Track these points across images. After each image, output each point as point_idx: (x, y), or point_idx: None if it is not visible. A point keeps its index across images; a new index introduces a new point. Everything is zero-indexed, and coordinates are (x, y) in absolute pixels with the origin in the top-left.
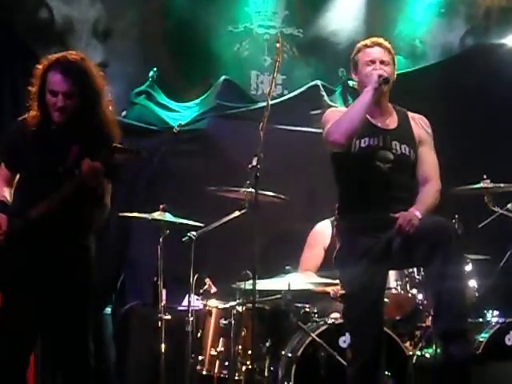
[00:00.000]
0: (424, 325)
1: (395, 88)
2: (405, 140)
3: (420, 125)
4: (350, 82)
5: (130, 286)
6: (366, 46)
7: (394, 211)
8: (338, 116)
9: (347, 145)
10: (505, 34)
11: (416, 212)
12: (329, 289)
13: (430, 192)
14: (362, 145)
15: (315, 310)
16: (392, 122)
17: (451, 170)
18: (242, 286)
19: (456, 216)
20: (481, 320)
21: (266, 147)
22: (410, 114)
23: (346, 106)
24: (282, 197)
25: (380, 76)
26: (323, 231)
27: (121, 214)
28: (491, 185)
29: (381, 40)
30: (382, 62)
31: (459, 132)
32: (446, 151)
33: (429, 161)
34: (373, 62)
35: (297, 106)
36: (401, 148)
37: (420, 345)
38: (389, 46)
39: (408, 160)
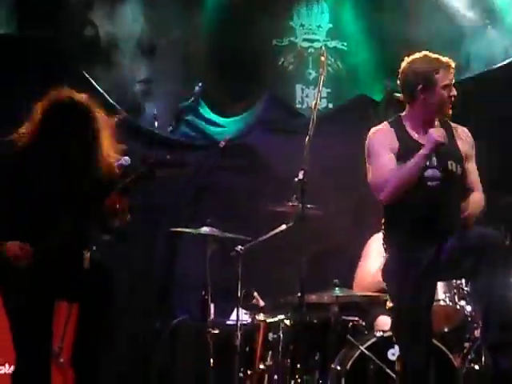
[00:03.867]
0: (473, 337)
1: None
2: (451, 156)
3: (465, 139)
4: (395, 94)
5: (178, 301)
6: (448, 67)
7: (441, 228)
8: (381, 147)
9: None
10: None
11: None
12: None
13: (475, 197)
14: None
15: (364, 323)
16: None
17: (491, 182)
18: (290, 300)
19: (502, 227)
20: None
21: (312, 160)
22: (454, 126)
23: (389, 124)
24: (329, 211)
25: (437, 141)
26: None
27: (168, 229)
28: None
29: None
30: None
31: (498, 143)
32: (486, 162)
33: (473, 174)
34: (449, 86)
35: (342, 118)
36: (447, 164)
37: (469, 357)
38: None
39: (455, 176)
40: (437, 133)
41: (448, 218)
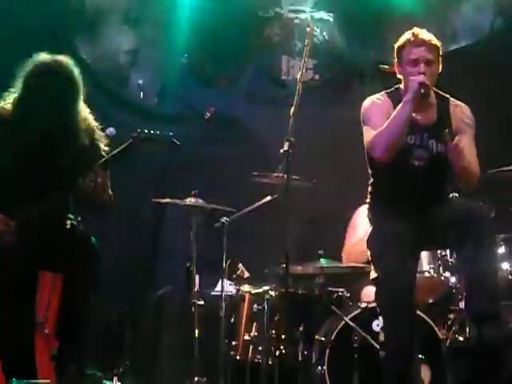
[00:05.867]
0: (457, 308)
1: None
2: (442, 137)
3: (460, 118)
4: (381, 66)
5: (164, 272)
6: (412, 44)
7: (425, 204)
8: (377, 112)
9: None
10: None
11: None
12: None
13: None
14: None
15: (349, 294)
16: (432, 114)
17: (481, 155)
18: (275, 271)
19: (486, 199)
20: None
21: (297, 132)
22: (452, 103)
23: (386, 94)
24: (314, 181)
25: (421, 84)
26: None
27: (154, 200)
28: None
29: (428, 36)
30: (426, 63)
31: (489, 115)
32: (477, 135)
33: (466, 149)
34: (417, 61)
35: (329, 90)
36: (437, 147)
37: (453, 328)
38: (436, 42)
39: (443, 159)
40: (417, 78)
41: (432, 195)
